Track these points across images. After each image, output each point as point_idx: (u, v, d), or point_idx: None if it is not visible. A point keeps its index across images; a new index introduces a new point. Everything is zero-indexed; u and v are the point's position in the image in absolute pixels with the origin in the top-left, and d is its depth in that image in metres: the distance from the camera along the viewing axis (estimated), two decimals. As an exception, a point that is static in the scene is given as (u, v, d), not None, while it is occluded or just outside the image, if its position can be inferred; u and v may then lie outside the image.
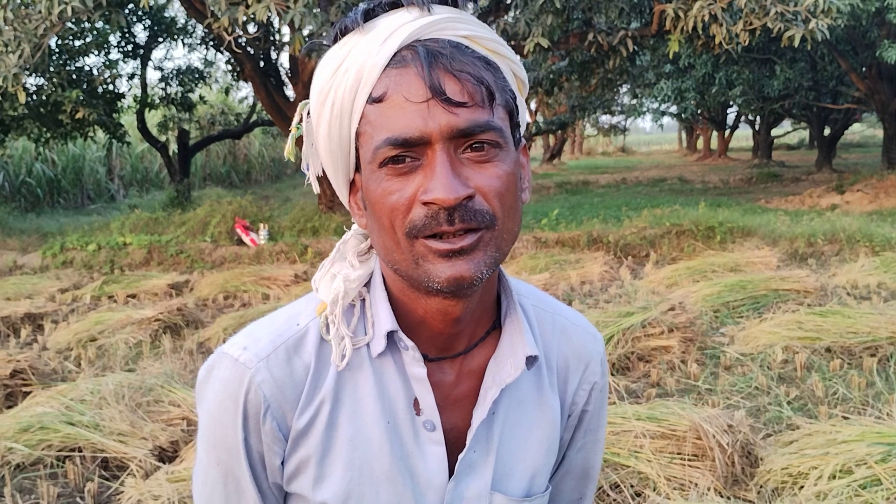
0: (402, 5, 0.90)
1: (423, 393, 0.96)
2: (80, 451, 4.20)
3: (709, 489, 3.50)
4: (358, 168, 0.93)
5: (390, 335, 0.95)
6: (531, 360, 0.99)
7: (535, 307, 1.08)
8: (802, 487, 3.46)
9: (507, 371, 0.98)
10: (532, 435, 1.04)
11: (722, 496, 3.48)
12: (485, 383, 0.99)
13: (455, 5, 0.91)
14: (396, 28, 0.88)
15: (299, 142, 1.01)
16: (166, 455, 4.21)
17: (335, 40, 0.92)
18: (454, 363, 1.00)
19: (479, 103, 0.86)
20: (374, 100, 0.87)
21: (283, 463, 0.96)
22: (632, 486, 3.60)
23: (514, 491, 1.03)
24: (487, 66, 0.90)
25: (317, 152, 0.97)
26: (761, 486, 3.58)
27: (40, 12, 8.95)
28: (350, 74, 0.88)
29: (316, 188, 1.03)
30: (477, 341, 1.00)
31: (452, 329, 0.97)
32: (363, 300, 0.99)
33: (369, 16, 0.90)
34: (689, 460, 3.66)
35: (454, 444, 0.99)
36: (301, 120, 0.98)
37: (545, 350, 1.06)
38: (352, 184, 0.97)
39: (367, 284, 1.00)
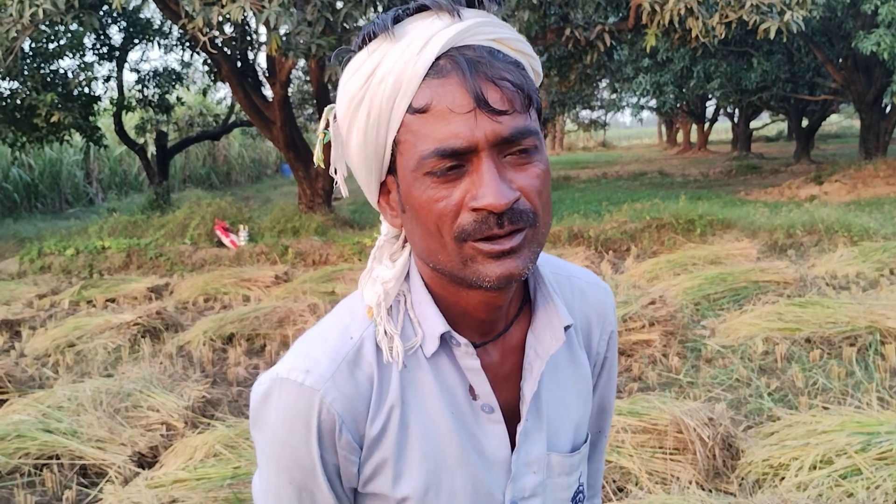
0: (430, 9, 0.91)
1: (479, 381, 1.01)
2: (58, 458, 4.16)
3: (690, 483, 3.51)
4: (391, 171, 0.96)
5: (442, 335, 0.99)
6: (566, 329, 1.05)
7: (554, 273, 1.13)
8: (783, 479, 3.47)
9: (549, 343, 1.04)
10: (571, 394, 1.12)
11: (703, 489, 3.49)
12: (527, 357, 1.05)
13: (482, 8, 0.94)
14: (431, 36, 0.89)
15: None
16: (145, 461, 4.17)
17: (361, 46, 0.93)
18: (496, 344, 1.05)
19: (518, 109, 0.90)
20: (415, 110, 0.89)
21: (359, 469, 1.00)
22: (614, 482, 3.60)
23: (563, 447, 1.10)
24: (518, 68, 0.93)
25: (346, 156, 1.00)
26: (742, 479, 3.58)
27: (11, 15, 8.84)
28: (387, 83, 0.90)
29: (345, 191, 1.05)
30: (513, 319, 1.06)
31: (494, 315, 1.02)
32: (404, 299, 1.03)
33: (397, 21, 0.92)
34: (671, 454, 3.66)
35: (508, 417, 1.05)
36: (327, 125, 1.00)
37: (569, 313, 1.12)
38: (382, 185, 1.00)
39: (406, 280, 1.04)
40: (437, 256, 0.94)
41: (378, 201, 1.02)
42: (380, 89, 0.90)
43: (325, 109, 1.00)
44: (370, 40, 0.92)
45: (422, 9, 0.91)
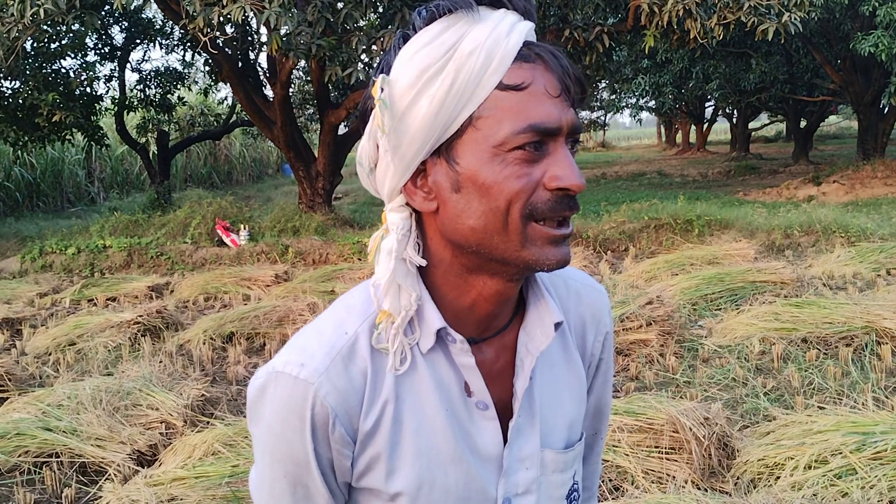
0: (502, 5, 0.96)
1: (474, 378, 1.03)
2: (58, 456, 4.19)
3: (686, 482, 3.53)
4: (437, 152, 0.96)
5: (438, 331, 1.00)
6: (556, 326, 1.06)
7: (549, 275, 1.15)
8: (778, 478, 3.50)
9: (539, 339, 1.06)
10: (565, 392, 1.13)
11: (699, 488, 3.51)
12: (519, 354, 1.07)
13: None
14: (513, 24, 0.94)
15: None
16: (145, 459, 4.20)
17: (429, 21, 0.94)
18: (490, 342, 1.06)
19: (580, 104, 0.97)
20: (507, 87, 0.92)
21: (352, 463, 1.02)
22: (610, 481, 3.63)
23: (557, 444, 1.11)
24: None
25: (398, 127, 0.95)
26: (738, 478, 3.61)
27: (13, 15, 8.87)
28: (479, 57, 0.92)
29: (389, 170, 1.00)
30: (512, 317, 1.07)
31: (498, 309, 1.04)
32: None
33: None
34: (667, 453, 3.69)
35: (501, 413, 1.06)
36: (383, 93, 0.94)
37: (564, 313, 1.15)
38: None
39: None
40: (492, 238, 0.94)
41: (407, 184, 0.98)
42: (469, 61, 0.91)
43: (379, 78, 0.94)
44: (441, 16, 0.94)
45: (493, 4, 0.95)
